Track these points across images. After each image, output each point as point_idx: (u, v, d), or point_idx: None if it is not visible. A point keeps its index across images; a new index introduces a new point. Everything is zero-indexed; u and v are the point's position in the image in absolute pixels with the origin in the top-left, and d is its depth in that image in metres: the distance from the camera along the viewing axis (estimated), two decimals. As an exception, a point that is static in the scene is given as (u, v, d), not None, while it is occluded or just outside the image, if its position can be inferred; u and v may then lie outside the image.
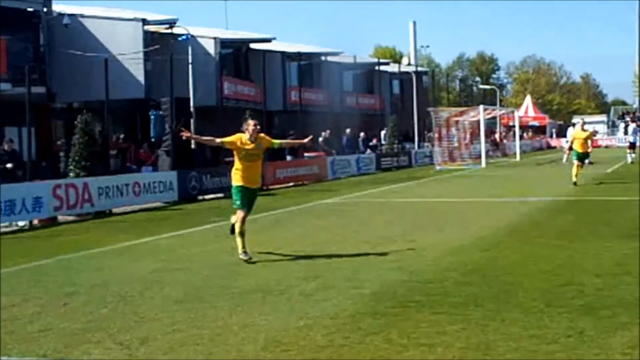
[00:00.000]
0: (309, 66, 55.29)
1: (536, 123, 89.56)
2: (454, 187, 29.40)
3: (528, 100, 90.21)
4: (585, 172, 27.40)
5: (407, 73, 63.81)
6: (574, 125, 27.05)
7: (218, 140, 12.90)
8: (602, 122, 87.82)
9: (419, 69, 70.46)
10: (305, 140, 14.82)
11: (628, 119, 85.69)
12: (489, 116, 54.46)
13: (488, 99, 78.74)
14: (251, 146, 12.39)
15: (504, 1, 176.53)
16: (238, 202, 12.43)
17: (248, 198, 12.49)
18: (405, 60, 75.59)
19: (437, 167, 42.74)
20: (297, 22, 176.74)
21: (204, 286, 10.43)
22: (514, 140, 60.20)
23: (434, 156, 46.20)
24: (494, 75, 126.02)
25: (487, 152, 47.66)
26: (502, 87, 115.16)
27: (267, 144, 12.82)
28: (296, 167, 34.23)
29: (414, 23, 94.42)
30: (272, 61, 48.94)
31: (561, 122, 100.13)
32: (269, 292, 9.83)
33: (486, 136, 49.22)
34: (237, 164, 12.50)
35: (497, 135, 64.33)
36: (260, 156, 12.69)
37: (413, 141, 53.98)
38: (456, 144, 48.91)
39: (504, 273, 10.65)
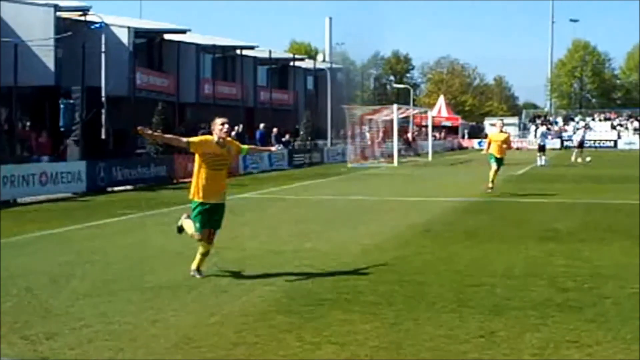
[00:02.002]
0: (223, 59, 54.99)
1: (449, 123, 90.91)
2: (367, 185, 29.53)
3: (441, 100, 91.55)
4: (505, 172, 27.80)
5: (322, 69, 64.04)
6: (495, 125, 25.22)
7: (184, 140, 10.56)
8: (513, 124, 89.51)
9: (334, 65, 70.70)
10: (272, 148, 14.52)
11: (539, 122, 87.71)
12: (403, 115, 54.96)
13: (402, 98, 79.51)
14: (220, 151, 10.28)
15: (419, 1, 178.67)
16: (197, 225, 10.27)
17: (209, 218, 10.28)
18: (320, 57, 75.82)
19: (350, 165, 42.91)
20: (212, 14, 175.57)
21: (113, 280, 10.20)
22: (427, 140, 60.88)
23: (347, 154, 46.39)
24: (408, 75, 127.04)
25: (399, 151, 48.04)
26: (415, 86, 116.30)
27: (236, 149, 10.84)
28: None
29: (330, 19, 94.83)
30: (186, 53, 48.57)
31: (473, 124, 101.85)
32: (180, 288, 9.67)
33: (399, 135, 49.62)
34: (199, 173, 10.29)
35: (409, 135, 64.97)
36: (228, 164, 10.63)
37: (326, 138, 54.13)
38: (369, 142, 49.19)
39: (417, 272, 10.69)
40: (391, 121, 48.66)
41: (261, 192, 25.11)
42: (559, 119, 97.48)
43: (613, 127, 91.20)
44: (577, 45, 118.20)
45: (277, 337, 7.46)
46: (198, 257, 10.40)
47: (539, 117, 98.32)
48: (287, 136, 48.35)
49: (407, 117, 64.50)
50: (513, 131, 64.43)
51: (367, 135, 49.74)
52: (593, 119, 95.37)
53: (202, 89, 50.52)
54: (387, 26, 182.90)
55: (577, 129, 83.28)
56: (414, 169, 41.29)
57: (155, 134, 11.79)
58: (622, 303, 8.81)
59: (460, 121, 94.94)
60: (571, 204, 20.40)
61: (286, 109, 60.88)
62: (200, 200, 10.27)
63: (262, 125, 44.10)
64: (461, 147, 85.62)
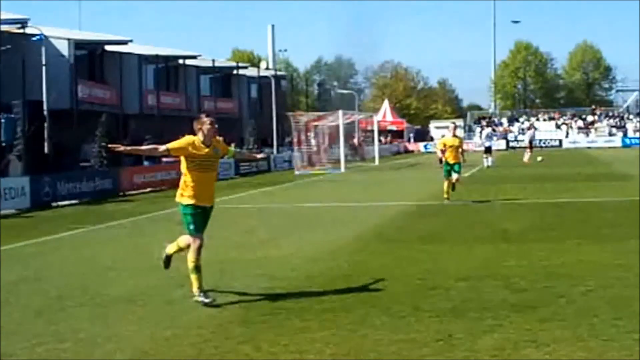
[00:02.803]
0: (166, 69, 54.69)
1: (394, 127, 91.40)
2: (315, 192, 29.52)
3: (386, 105, 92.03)
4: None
5: (266, 77, 64.00)
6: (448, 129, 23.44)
7: (162, 147, 9.80)
8: (459, 126, 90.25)
9: (278, 73, 70.70)
10: (259, 156, 14.03)
11: (484, 123, 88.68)
12: (348, 121, 55.08)
13: (346, 103, 79.70)
14: (206, 151, 9.61)
15: (361, 5, 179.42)
16: (192, 227, 9.51)
17: (203, 220, 9.67)
18: (263, 64, 75.70)
19: (297, 172, 42.87)
20: (154, 24, 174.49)
21: (65, 296, 10.00)
22: (373, 145, 61.09)
23: (294, 161, 46.35)
24: (352, 80, 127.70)
25: (346, 156, 48.14)
26: (360, 91, 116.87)
27: (224, 150, 10.15)
28: (154, 172, 33.59)
29: (272, 26, 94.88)
30: (128, 64, 48.22)
31: (419, 127, 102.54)
32: (134, 302, 9.52)
33: (345, 141, 49.74)
34: (187, 176, 9.58)
35: (355, 140, 65.15)
36: (216, 165, 10.00)
37: (272, 146, 54.06)
38: (315, 149, 49.21)
39: (371, 278, 10.64)
40: (337, 127, 48.73)
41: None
42: (504, 120, 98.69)
43: (557, 127, 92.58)
44: (520, 46, 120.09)
45: (235, 348, 7.38)
46: (193, 277, 9.35)
47: (484, 118, 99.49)
48: (232, 145, 48.11)
49: (352, 123, 64.66)
50: (458, 134, 64.86)
51: (313, 141, 49.74)
52: (537, 119, 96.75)
53: (146, 100, 50.18)
54: (330, 32, 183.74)
55: (528, 128, 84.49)
56: (361, 174, 41.41)
57: (128, 148, 10.59)
58: (577, 301, 8.87)
59: (405, 125, 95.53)
60: (520, 204, 20.58)
61: (231, 117, 60.66)
62: (193, 203, 9.52)
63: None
64: (407, 151, 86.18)
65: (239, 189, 30.39)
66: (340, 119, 47.73)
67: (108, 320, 8.59)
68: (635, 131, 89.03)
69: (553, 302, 8.84)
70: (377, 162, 54.19)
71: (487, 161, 42.84)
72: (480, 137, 73.74)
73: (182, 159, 9.62)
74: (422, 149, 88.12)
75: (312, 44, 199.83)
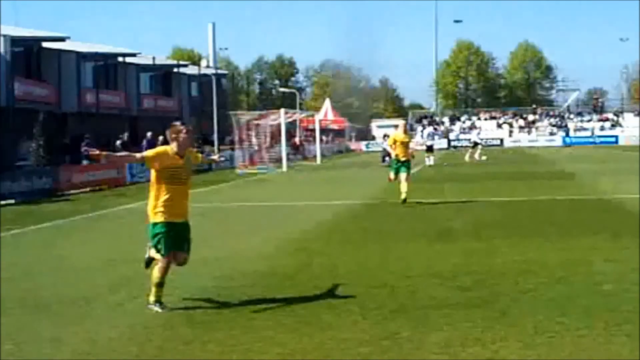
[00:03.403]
0: (105, 67, 54.09)
1: (336, 126, 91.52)
2: (257, 191, 29.40)
3: (327, 103, 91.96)
4: (387, 174, 27.79)
5: (207, 75, 63.69)
6: (396, 127, 22.67)
7: (138, 156, 9.22)
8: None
9: (219, 71, 70.38)
10: (215, 157, 13.27)
11: (426, 122, 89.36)
12: (290, 120, 55.03)
13: (287, 102, 79.68)
14: (180, 163, 8.88)
15: (302, 3, 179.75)
16: (160, 247, 8.82)
17: (175, 239, 8.88)
18: (204, 63, 75.29)
19: (239, 171, 42.65)
20: (93, 21, 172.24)
21: (5, 298, 9.72)
22: (314, 144, 61.09)
23: (235, 160, 46.10)
24: (293, 79, 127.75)
25: (287, 155, 48.07)
26: (301, 90, 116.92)
27: (194, 159, 9.50)
28: (93, 172, 33.06)
29: (213, 24, 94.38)
30: (67, 61, 47.55)
31: (360, 126, 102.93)
32: (75, 303, 9.33)
33: (287, 140, 49.67)
34: (158, 189, 8.83)
35: (297, 139, 65.11)
36: (190, 177, 9.18)
37: (213, 145, 53.76)
38: (257, 148, 49.03)
39: (316, 277, 10.62)
40: (278, 126, 48.64)
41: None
42: (445, 119, 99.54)
43: (499, 126, 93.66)
44: (461, 45, 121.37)
45: (181, 348, 7.29)
46: (154, 289, 8.84)
47: (426, 117, 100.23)
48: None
49: (294, 121, 64.65)
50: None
51: (255, 140, 49.56)
52: (479, 118, 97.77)
53: (84, 98, 49.53)
54: (270, 30, 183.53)
55: (470, 128, 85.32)
56: (303, 173, 41.39)
57: (104, 153, 9.49)
58: (521, 299, 8.93)
59: (346, 124, 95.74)
60: (464, 202, 20.69)
61: (171, 116, 60.15)
62: (163, 221, 8.77)
63: (149, 134, 43.43)
64: (349, 150, 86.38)
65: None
66: (281, 117, 47.65)
67: (49, 322, 8.40)
68: (575, 130, 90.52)
69: (498, 300, 8.87)
70: (319, 161, 54.22)
71: (429, 160, 43.13)
72: (422, 136, 74.31)
73: (153, 172, 8.87)
74: (364, 148, 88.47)
75: (253, 43, 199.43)
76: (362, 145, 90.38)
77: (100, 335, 7.82)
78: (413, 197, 20.24)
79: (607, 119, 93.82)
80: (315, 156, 56.53)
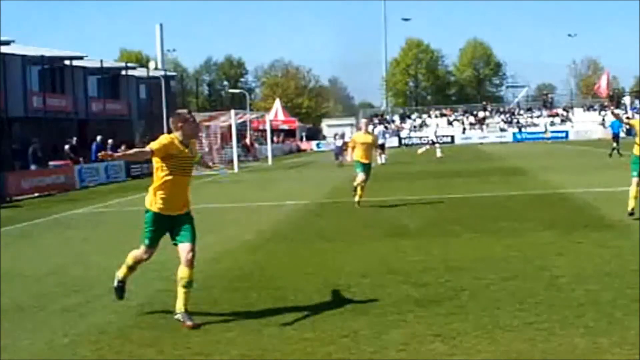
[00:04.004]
0: (51, 70, 53.42)
1: (286, 127, 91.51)
2: (209, 192, 29.12)
3: (277, 104, 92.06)
4: (341, 174, 27.82)
5: (155, 77, 63.15)
6: (351, 126, 21.03)
7: (147, 149, 8.44)
8: (350, 124, 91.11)
9: (167, 73, 69.88)
10: (212, 165, 12.64)
11: (376, 121, 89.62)
12: (240, 120, 54.82)
13: (237, 103, 79.45)
14: (186, 152, 8.51)
15: (250, 4, 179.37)
16: (147, 241, 8.60)
17: (161, 232, 8.60)
18: (152, 65, 74.69)
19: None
20: (38, 24, 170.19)
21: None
22: (265, 144, 60.95)
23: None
24: (242, 80, 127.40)
25: (238, 156, 47.86)
26: (251, 91, 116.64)
27: (195, 152, 8.91)
28: (42, 177, 32.67)
29: (161, 26, 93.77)
30: (12, 65, 46.86)
31: (310, 126, 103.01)
32: (27, 310, 9.18)
33: (237, 141, 49.45)
34: (162, 179, 8.44)
35: (248, 140, 64.92)
36: (192, 168, 8.80)
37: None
38: (207, 149, 48.72)
39: (272, 277, 10.57)
40: (229, 127, 48.43)
41: (100, 206, 24.34)
42: (396, 117, 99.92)
43: (449, 123, 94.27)
44: (411, 43, 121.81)
45: (138, 352, 7.21)
46: (123, 267, 8.87)
47: (376, 116, 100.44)
48: (123, 147, 47.27)
49: (244, 122, 64.44)
50: (349, 132, 65.47)
51: (205, 142, 49.25)
52: (429, 116, 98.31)
53: (31, 102, 48.88)
54: (218, 31, 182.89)
55: (420, 126, 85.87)
56: (255, 174, 41.24)
57: (118, 154, 9.11)
58: (479, 294, 8.95)
59: (297, 124, 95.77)
60: (417, 200, 20.71)
61: (120, 119, 59.68)
62: (157, 211, 8.46)
63: (98, 138, 43.02)
64: (300, 150, 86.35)
65: (131, 191, 29.80)
66: (232, 118, 47.45)
67: (2, 330, 8.22)
68: (525, 126, 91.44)
69: (456, 296, 8.91)
70: (270, 161, 54.07)
71: (381, 158, 43.23)
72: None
73: (156, 161, 8.44)
74: (315, 148, 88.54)
75: (201, 44, 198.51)
76: (313, 144, 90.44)
77: (55, 341, 7.70)
78: (366, 195, 20.15)
79: (556, 115, 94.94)
80: (266, 157, 56.36)
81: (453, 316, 7.97)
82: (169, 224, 8.48)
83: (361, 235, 14.61)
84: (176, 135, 8.47)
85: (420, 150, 47.64)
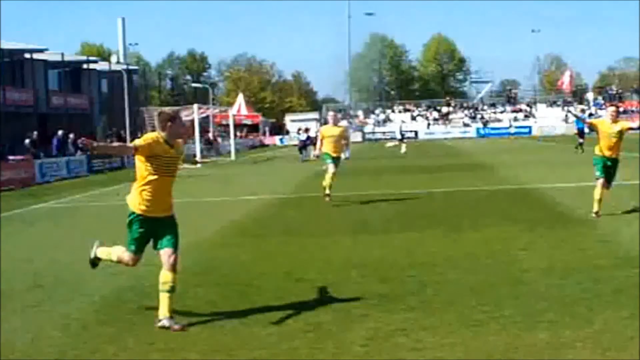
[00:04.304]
0: (11, 64, 52.81)
1: (249, 121, 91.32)
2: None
3: (240, 98, 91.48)
4: (305, 168, 27.72)
5: (117, 71, 62.70)
6: (317, 120, 19.70)
7: (130, 145, 8.23)
8: (314, 119, 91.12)
9: (129, 67, 69.37)
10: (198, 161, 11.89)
11: (340, 116, 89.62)
12: (203, 115, 54.57)
13: (200, 97, 79.11)
14: (171, 152, 8.15)
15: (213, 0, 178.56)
16: (133, 247, 8.25)
17: (149, 236, 8.25)
18: (114, 58, 74.11)
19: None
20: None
21: None
22: (228, 139, 60.73)
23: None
24: (205, 74, 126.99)
25: (201, 151, 47.64)
26: (214, 85, 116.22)
27: (180, 151, 8.53)
28: (1, 171, 32.22)
29: (123, 19, 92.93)
30: (-31, 58, 46.24)
31: (274, 120, 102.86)
32: (-11, 305, 9.01)
33: (200, 136, 49.21)
34: (145, 179, 8.08)
35: (211, 135, 64.66)
36: (177, 169, 8.49)
37: (125, 142, 52.95)
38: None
39: (236, 273, 10.52)
40: (192, 122, 48.16)
41: (62, 201, 24.10)
42: (360, 113, 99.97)
43: (413, 118, 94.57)
44: (375, 38, 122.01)
45: (101, 348, 7.13)
46: (106, 254, 8.59)
47: (340, 111, 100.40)
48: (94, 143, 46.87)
49: (207, 117, 64.15)
50: (314, 126, 65.51)
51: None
52: (393, 111, 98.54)
53: (-12, 97, 48.28)
54: (181, 25, 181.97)
55: (384, 121, 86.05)
56: (218, 169, 41.06)
57: (101, 144, 9.03)
58: (443, 289, 8.96)
59: (260, 119, 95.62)
60: (381, 195, 20.72)
61: (82, 113, 59.14)
62: (140, 213, 8.12)
63: (60, 132, 42.61)
64: (263, 145, 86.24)
65: (92, 187, 29.59)
66: (195, 113, 47.22)
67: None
68: (486, 122, 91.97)
69: (420, 291, 8.90)
70: (233, 156, 53.90)
71: (345, 153, 43.18)
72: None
73: (139, 159, 8.06)
74: (278, 143, 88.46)
75: (164, 38, 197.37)
76: (277, 139, 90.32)
77: (18, 337, 7.62)
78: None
79: (520, 110, 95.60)
80: (229, 152, 56.16)
81: (417, 311, 7.98)
82: (153, 227, 8.16)
83: (326, 230, 14.58)
84: (162, 135, 8.09)
85: (389, 144, 47.73)
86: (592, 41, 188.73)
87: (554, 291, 8.61)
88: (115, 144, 9.20)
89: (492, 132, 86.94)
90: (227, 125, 65.16)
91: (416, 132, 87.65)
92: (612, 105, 16.45)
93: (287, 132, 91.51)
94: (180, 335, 7.43)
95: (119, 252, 8.42)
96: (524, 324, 7.33)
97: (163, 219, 8.22)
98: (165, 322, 7.74)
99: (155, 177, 8.04)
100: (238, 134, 74.22)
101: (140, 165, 8.07)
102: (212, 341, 7.24)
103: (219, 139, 66.27)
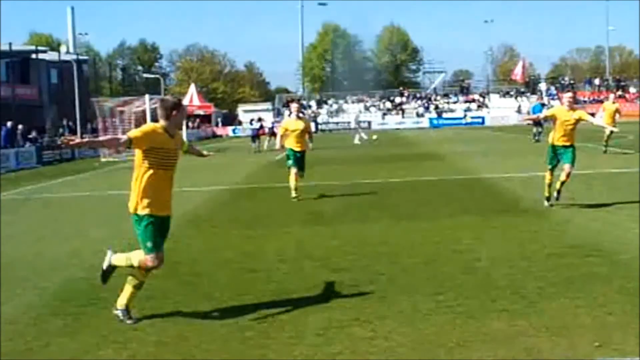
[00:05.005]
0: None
1: (202, 112, 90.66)
2: (123, 179, 28.62)
3: (192, 89, 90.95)
4: (258, 159, 27.58)
5: (67, 61, 61.90)
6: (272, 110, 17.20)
7: (124, 138, 7.48)
8: (267, 109, 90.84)
9: (79, 57, 68.53)
10: (205, 153, 11.19)
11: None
12: (154, 106, 53.96)
13: (152, 88, 78.48)
14: (172, 144, 7.67)
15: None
16: (150, 245, 7.56)
17: (162, 235, 7.76)
18: (63, 48, 73.19)
19: (103, 159, 41.71)
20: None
21: None
22: (180, 130, 60.30)
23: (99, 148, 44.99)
24: (156, 64, 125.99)
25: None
26: (165, 75, 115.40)
27: (181, 143, 8.15)
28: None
29: (72, 8, 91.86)
30: None
31: (226, 111, 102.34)
32: None
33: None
34: (143, 176, 7.56)
35: (162, 125, 64.09)
36: (177, 163, 7.88)
37: (76, 133, 52.39)
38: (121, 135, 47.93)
39: (188, 264, 10.46)
40: (143, 112, 47.66)
41: (10, 193, 23.73)
42: (313, 103, 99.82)
43: (366, 109, 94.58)
44: (328, 28, 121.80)
45: (53, 341, 7.06)
46: (129, 289, 7.68)
47: (293, 101, 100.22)
48: (33, 133, 46.34)
49: (159, 108, 63.55)
50: (268, 117, 65.44)
51: (119, 127, 48.45)
52: (346, 102, 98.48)
53: None
54: (132, 14, 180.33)
55: (336, 111, 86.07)
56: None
57: (85, 141, 8.23)
58: (397, 278, 9.00)
59: (213, 109, 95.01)
60: (334, 185, 20.71)
61: (31, 104, 58.34)
62: (152, 213, 7.52)
63: (9, 123, 41.98)
64: (215, 135, 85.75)
65: (42, 179, 29.24)
66: (147, 103, 46.72)
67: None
68: (441, 112, 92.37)
69: (374, 280, 8.93)
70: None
71: (309, 145, 43.08)
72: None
73: (138, 153, 7.53)
74: (231, 133, 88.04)
75: (114, 28, 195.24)
76: (229, 130, 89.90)
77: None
78: (280, 180, 19.96)
79: (473, 100, 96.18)
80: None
81: (371, 301, 8.00)
82: (162, 226, 7.71)
83: (279, 221, 14.52)
84: (162, 124, 7.60)
85: (356, 140, 47.91)
86: (545, 32, 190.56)
87: (507, 280, 8.67)
88: (103, 137, 8.55)
89: (445, 122, 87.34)
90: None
91: (369, 123, 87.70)
92: (568, 91, 16.43)
93: (240, 123, 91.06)
94: (132, 327, 7.38)
95: (141, 257, 7.70)
96: (478, 313, 7.38)
97: (165, 218, 7.73)
98: (120, 314, 7.56)
99: (154, 170, 7.51)
100: (190, 124, 73.72)
101: (139, 157, 7.52)
102: (164, 333, 7.20)
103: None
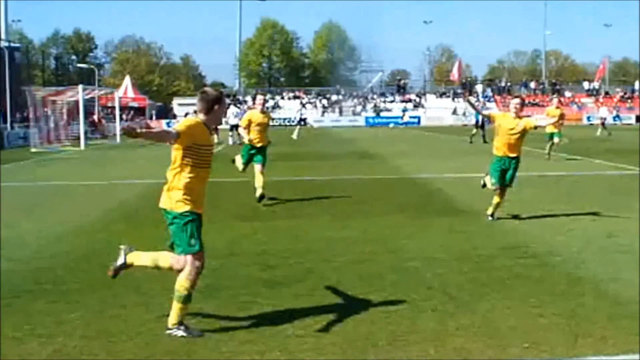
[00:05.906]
0: None
1: (136, 104, 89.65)
2: (54, 170, 28.28)
3: (127, 80, 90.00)
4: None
5: (-1, 49, 60.57)
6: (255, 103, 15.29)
7: (173, 132, 6.90)
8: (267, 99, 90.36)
9: (11, 44, 67.22)
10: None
11: (229, 101, 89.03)
12: (88, 96, 53.34)
13: (86, 78, 77.41)
14: (211, 140, 7.28)
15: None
16: (193, 242, 7.11)
17: (200, 231, 7.25)
18: (-6, 36, 71.64)
19: (34, 149, 40.91)
20: None
21: None
22: (114, 122, 59.61)
23: (30, 138, 44.23)
24: (91, 54, 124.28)
25: (85, 133, 46.57)
26: (100, 66, 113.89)
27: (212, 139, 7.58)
28: None
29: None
30: None
31: (161, 104, 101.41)
32: None
33: (85, 117, 48.09)
34: (187, 173, 7.06)
35: (96, 117, 63.33)
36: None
37: (6, 122, 51.36)
38: (53, 125, 47.19)
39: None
40: (76, 102, 47.00)
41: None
42: (249, 98, 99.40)
43: (302, 105, 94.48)
44: (266, 24, 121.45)
45: (-24, 334, 6.87)
46: (178, 306, 7.02)
47: (228, 96, 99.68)
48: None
49: (92, 98, 62.74)
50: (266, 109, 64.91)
51: (51, 117, 47.69)
52: (282, 98, 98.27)
53: None
54: (67, 3, 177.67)
55: (274, 107, 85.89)
56: (103, 152, 40.29)
57: (144, 130, 6.99)
58: (328, 276, 8.97)
59: (147, 102, 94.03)
60: (270, 181, 20.50)
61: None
62: (193, 210, 7.13)
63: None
64: (149, 128, 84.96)
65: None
66: (80, 94, 46.06)
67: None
68: (379, 111, 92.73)
69: (305, 278, 8.91)
70: (118, 139, 52.84)
71: (234, 138, 42.96)
72: (225, 115, 74.00)
73: (177, 149, 6.99)
74: (165, 127, 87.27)
75: (48, 16, 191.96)
76: (163, 123, 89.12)
77: None
78: (218, 175, 19.68)
79: (410, 100, 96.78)
80: (115, 134, 55.06)
81: (302, 298, 7.98)
82: (201, 223, 7.32)
83: (209, 216, 14.26)
84: (202, 119, 7.11)
85: (294, 135, 47.90)
86: (482, 34, 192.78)
87: (439, 280, 8.72)
88: (157, 129, 8.03)
89: (381, 121, 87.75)
90: (113, 108, 63.83)
91: (305, 120, 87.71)
92: (516, 97, 14.89)
93: (175, 116, 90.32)
94: (59, 320, 7.26)
95: (173, 259, 7.30)
96: (409, 312, 7.40)
97: (201, 217, 7.31)
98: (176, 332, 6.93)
99: (193, 168, 7.03)
100: (124, 116, 72.82)
101: (179, 154, 6.99)
102: (91, 326, 7.10)
103: (104, 121, 64.86)
